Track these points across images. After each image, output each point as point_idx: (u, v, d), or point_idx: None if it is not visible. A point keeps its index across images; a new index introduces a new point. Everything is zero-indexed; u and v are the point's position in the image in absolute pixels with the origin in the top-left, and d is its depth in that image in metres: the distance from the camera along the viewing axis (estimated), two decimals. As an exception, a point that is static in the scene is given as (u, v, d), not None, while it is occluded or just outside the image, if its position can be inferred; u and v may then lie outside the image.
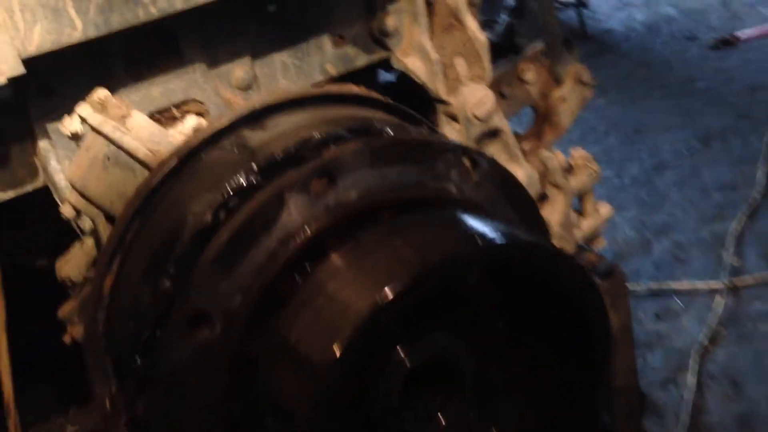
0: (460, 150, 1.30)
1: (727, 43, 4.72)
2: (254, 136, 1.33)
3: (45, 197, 1.80)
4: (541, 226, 1.43)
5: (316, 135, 1.26)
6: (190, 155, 1.32)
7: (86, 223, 1.57)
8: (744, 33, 4.84)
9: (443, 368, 1.29)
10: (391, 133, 1.30)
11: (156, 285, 1.20)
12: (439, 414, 1.32)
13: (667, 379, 3.29)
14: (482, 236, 1.17)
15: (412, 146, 1.26)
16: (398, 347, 1.24)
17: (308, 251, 1.20)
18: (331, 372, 1.08)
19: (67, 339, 1.47)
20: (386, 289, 1.09)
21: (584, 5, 6.47)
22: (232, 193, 1.21)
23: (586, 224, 2.46)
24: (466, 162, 1.32)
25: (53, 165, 1.67)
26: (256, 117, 1.36)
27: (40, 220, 2.05)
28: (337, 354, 1.07)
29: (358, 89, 1.47)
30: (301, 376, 1.13)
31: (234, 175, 1.23)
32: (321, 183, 1.20)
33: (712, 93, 5.43)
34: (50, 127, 1.68)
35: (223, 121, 1.33)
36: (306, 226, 1.18)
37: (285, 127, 1.34)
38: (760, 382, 3.17)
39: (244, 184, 1.21)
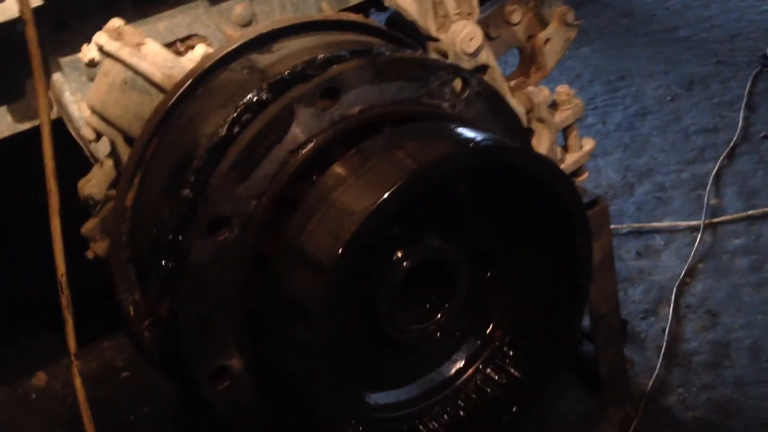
0: (453, 69, 1.41)
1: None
2: (262, 59, 1.43)
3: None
4: (525, 140, 1.55)
5: (320, 55, 1.36)
6: (203, 76, 1.42)
7: (101, 149, 1.68)
8: (725, -19, 4.94)
9: (439, 270, 1.42)
10: (389, 53, 1.41)
11: (177, 194, 1.31)
12: (434, 313, 1.45)
13: (647, 310, 3.44)
14: (470, 140, 1.28)
15: (408, 64, 1.37)
16: (398, 249, 1.36)
17: (315, 160, 1.32)
18: (336, 269, 1.20)
19: (89, 254, 1.58)
20: (381, 191, 1.20)
21: (568, -44, 6.50)
22: (244, 109, 1.32)
23: (570, 158, 2.57)
24: (458, 81, 1.43)
25: (67, 96, 1.77)
26: (263, 41, 1.46)
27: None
28: (340, 252, 1.19)
29: (356, 16, 1.57)
30: (310, 273, 1.25)
31: (245, 92, 1.34)
32: (326, 97, 1.31)
33: (694, 40, 5.53)
34: (63, 60, 1.77)
35: (233, 45, 1.43)
36: (315, 138, 1.30)
37: (290, 50, 1.45)
38: (736, 311, 3.32)
39: (255, 100, 1.32)
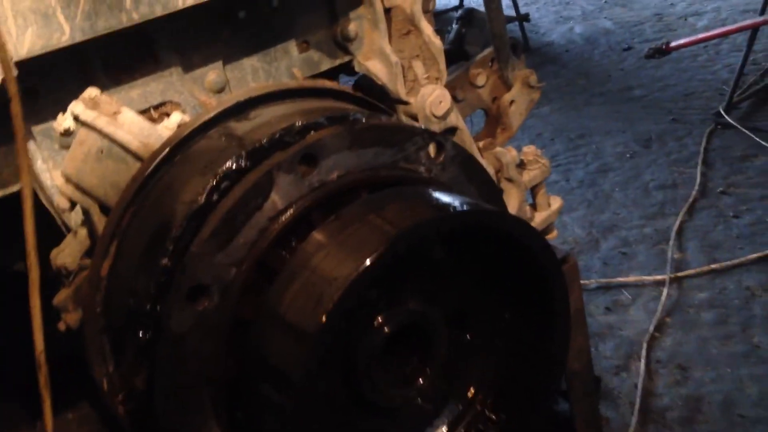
0: (428, 134, 1.44)
1: (661, 51, 5.01)
2: (240, 126, 1.44)
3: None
4: (500, 203, 1.58)
5: (298, 122, 1.38)
6: (180, 144, 1.42)
7: (75, 218, 1.66)
8: (675, 42, 5.14)
9: (419, 334, 1.42)
10: (363, 121, 1.43)
11: (155, 263, 1.30)
12: (415, 377, 1.45)
13: (619, 366, 3.47)
14: (448, 205, 1.30)
15: (385, 130, 1.39)
16: (378, 314, 1.36)
17: (295, 227, 1.32)
18: (318, 337, 1.20)
19: (61, 326, 1.55)
20: (363, 258, 1.21)
21: (526, 19, 6.74)
22: (223, 176, 1.32)
23: (540, 216, 2.62)
24: (433, 146, 1.46)
25: (39, 165, 1.75)
26: (240, 109, 1.48)
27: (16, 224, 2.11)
28: (323, 321, 1.19)
29: (331, 84, 1.60)
30: (292, 341, 1.24)
31: (224, 159, 1.34)
32: (305, 164, 1.32)
33: (649, 99, 5.73)
34: (35, 128, 1.76)
35: (211, 113, 1.45)
36: (294, 204, 1.30)
37: (267, 117, 1.46)
38: (705, 365, 3.37)
39: (234, 167, 1.33)
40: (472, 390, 1.49)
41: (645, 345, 3.53)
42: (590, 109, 5.74)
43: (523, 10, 6.78)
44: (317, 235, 1.29)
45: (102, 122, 1.47)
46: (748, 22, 5.05)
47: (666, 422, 3.18)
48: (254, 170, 1.31)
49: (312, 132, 1.37)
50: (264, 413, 1.25)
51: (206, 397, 1.28)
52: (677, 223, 4.30)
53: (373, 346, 1.34)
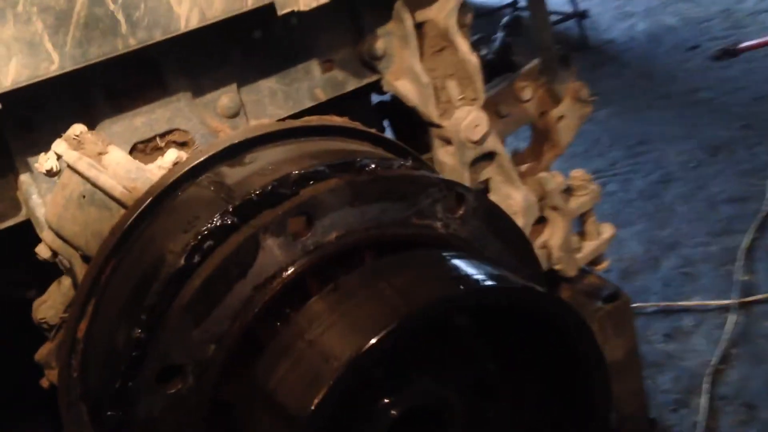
0: (445, 185, 1.25)
1: (730, 53, 4.65)
2: (232, 173, 1.28)
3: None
4: (531, 258, 1.37)
5: (295, 172, 1.20)
6: (164, 194, 1.27)
7: (66, 262, 1.52)
8: (746, 43, 4.77)
9: (430, 413, 1.23)
10: (374, 168, 1.25)
11: (128, 332, 1.14)
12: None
13: (679, 401, 3.20)
14: (466, 279, 1.11)
15: (395, 182, 1.21)
16: (383, 396, 1.18)
17: (286, 296, 1.15)
18: (309, 423, 1.03)
19: (44, 383, 1.42)
20: (366, 336, 1.04)
21: (585, 16, 6.42)
22: (206, 235, 1.16)
23: (588, 246, 2.39)
24: (452, 197, 1.26)
25: (34, 199, 1.63)
26: (234, 152, 1.31)
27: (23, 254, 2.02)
28: (313, 406, 1.02)
29: (341, 120, 1.42)
30: (280, 428, 1.08)
31: (210, 214, 1.18)
32: (299, 223, 1.15)
33: (716, 103, 5.35)
34: (31, 160, 1.63)
35: (200, 158, 1.28)
36: (284, 271, 1.13)
37: (264, 162, 1.29)
38: (775, 404, 3.07)
39: (219, 225, 1.16)
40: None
41: (708, 378, 3.24)
42: (652, 113, 5.39)
43: (582, 5, 6.45)
44: (314, 306, 1.12)
45: (83, 165, 1.32)
46: (829, 20, 4.66)
47: (730, 467, 2.90)
48: (238, 231, 1.14)
49: (310, 182, 1.20)
50: None
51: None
52: (746, 241, 3.96)
53: (377, 430, 1.16)
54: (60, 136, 1.61)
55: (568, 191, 2.36)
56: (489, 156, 2.13)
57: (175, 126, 1.78)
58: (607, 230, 2.42)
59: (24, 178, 1.66)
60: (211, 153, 1.29)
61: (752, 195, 4.26)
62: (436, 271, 1.14)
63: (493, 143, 2.11)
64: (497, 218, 1.30)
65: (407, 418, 1.21)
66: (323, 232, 1.15)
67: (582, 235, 2.42)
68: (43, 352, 1.40)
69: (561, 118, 2.60)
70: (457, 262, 1.16)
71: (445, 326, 1.24)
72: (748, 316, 3.49)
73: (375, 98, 2.35)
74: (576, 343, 1.15)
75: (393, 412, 1.17)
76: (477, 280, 1.10)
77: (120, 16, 1.53)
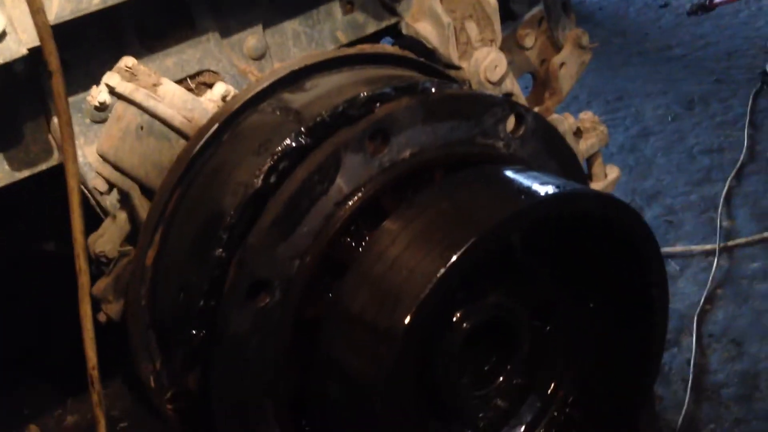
0: (508, 105, 1.28)
1: (704, 8, 4.76)
2: (295, 98, 1.29)
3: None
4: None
5: (363, 93, 1.22)
6: (229, 120, 1.27)
7: (111, 200, 1.52)
8: (719, -2, 4.89)
9: (499, 329, 1.28)
10: (436, 90, 1.27)
11: (207, 254, 1.16)
12: (494, 376, 1.31)
13: (670, 341, 3.30)
14: (539, 190, 1.15)
15: (462, 101, 1.24)
16: (456, 309, 1.22)
17: (364, 213, 1.17)
18: (402, 339, 1.06)
19: (101, 318, 1.42)
20: (450, 252, 1.07)
21: (558, -23, 6.46)
22: (281, 156, 1.17)
23: (596, 187, 2.46)
24: (513, 118, 1.30)
25: (71, 140, 1.60)
26: (294, 79, 1.32)
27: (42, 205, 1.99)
28: (407, 321, 1.05)
29: (392, 49, 1.44)
30: (370, 345, 1.11)
31: (281, 137, 1.19)
32: (374, 141, 1.17)
33: (689, 59, 5.46)
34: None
35: (263, 84, 1.29)
36: (363, 188, 1.15)
37: (325, 87, 1.31)
38: (761, 339, 3.20)
39: (294, 146, 1.17)
40: (553, 385, 1.35)
41: (696, 319, 3.36)
42: (628, 69, 5.48)
43: (553, -34, 6.49)
44: (392, 225, 1.14)
45: (141, 96, 1.31)
46: (798, -25, 4.78)
47: (722, 400, 3.03)
48: (317, 149, 1.15)
49: (378, 104, 1.22)
50: (335, 422, 1.12)
51: (269, 407, 1.15)
52: (725, 189, 4.09)
53: (452, 344, 1.20)
54: (93, 77, 1.61)
55: (578, 134, 2.41)
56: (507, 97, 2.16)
57: (205, 67, 1.78)
58: (614, 172, 2.49)
59: (57, 120, 1.63)
60: (273, 80, 1.30)
61: (728, 146, 4.38)
62: (507, 186, 1.18)
63: (510, 84, 2.14)
64: (553, 139, 1.34)
65: (477, 338, 1.25)
66: (398, 150, 1.18)
67: (589, 176, 2.48)
68: (100, 287, 1.40)
69: (562, 65, 2.65)
70: (524, 176, 1.19)
71: (508, 247, 1.28)
72: (731, 259, 3.61)
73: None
74: (639, 246, 1.20)
75: (466, 324, 1.21)
76: (549, 191, 1.14)
77: (159, -49, 1.52)
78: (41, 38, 1.18)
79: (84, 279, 1.10)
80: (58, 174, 1.77)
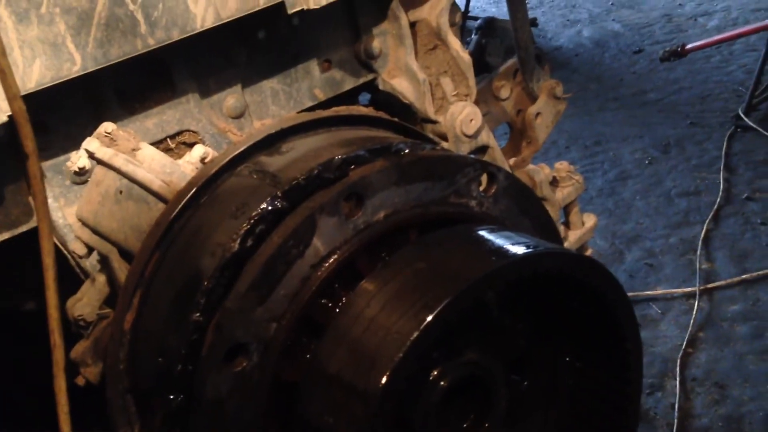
0: (480, 165, 1.31)
1: (677, 54, 4.89)
2: (272, 161, 1.31)
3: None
4: (555, 236, 1.45)
5: (337, 156, 1.25)
6: (207, 183, 1.29)
7: (91, 263, 1.53)
8: (693, 44, 5.01)
9: (476, 387, 1.29)
10: (409, 151, 1.30)
11: (185, 318, 1.17)
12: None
13: (653, 385, 3.33)
14: (513, 250, 1.17)
15: (434, 162, 1.27)
16: (433, 367, 1.23)
17: (339, 275, 1.19)
18: (378, 399, 1.07)
19: (80, 381, 1.42)
20: (427, 312, 1.09)
21: (534, 24, 6.62)
22: (258, 219, 1.19)
23: (574, 235, 2.50)
24: (485, 177, 1.33)
25: (50, 203, 1.62)
26: (271, 142, 1.35)
27: (25, 262, 1.99)
28: (383, 382, 1.07)
29: (367, 110, 1.47)
30: (348, 404, 1.12)
31: (258, 200, 1.21)
32: (349, 204, 1.19)
33: (664, 103, 5.59)
34: (45, 164, 1.63)
35: (239, 148, 1.32)
36: (338, 250, 1.17)
37: (301, 150, 1.34)
38: (744, 383, 3.24)
39: (270, 209, 1.20)
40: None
41: (679, 362, 3.38)
42: (605, 114, 5.60)
43: (529, 14, 6.65)
44: (368, 286, 1.16)
45: (120, 161, 1.34)
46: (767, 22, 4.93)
47: (707, 444, 3.03)
48: (293, 212, 1.18)
49: (353, 167, 1.24)
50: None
51: (248, 469, 1.15)
52: (703, 231, 4.15)
53: (429, 402, 1.21)
54: (73, 140, 1.63)
55: (554, 183, 2.46)
56: (482, 149, 2.21)
57: (185, 127, 1.80)
58: (590, 219, 2.53)
59: (37, 181, 1.65)
60: (250, 143, 1.33)
61: (705, 188, 4.47)
62: (481, 246, 1.20)
63: (486, 137, 2.19)
64: (525, 197, 1.37)
65: (454, 396, 1.26)
66: (373, 212, 1.20)
67: (567, 225, 2.52)
68: (78, 350, 1.40)
69: (538, 115, 2.70)
70: (497, 236, 1.22)
71: (482, 304, 1.30)
72: (711, 302, 3.66)
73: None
74: (610, 301, 1.22)
75: (443, 383, 1.22)
76: (521, 250, 1.16)
77: (139, 16, 1.56)
78: (18, 123, 1.20)
79: (58, 354, 1.10)
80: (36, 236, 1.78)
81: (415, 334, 1.05)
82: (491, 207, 1.33)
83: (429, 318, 1.06)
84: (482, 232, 1.22)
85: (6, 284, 2.03)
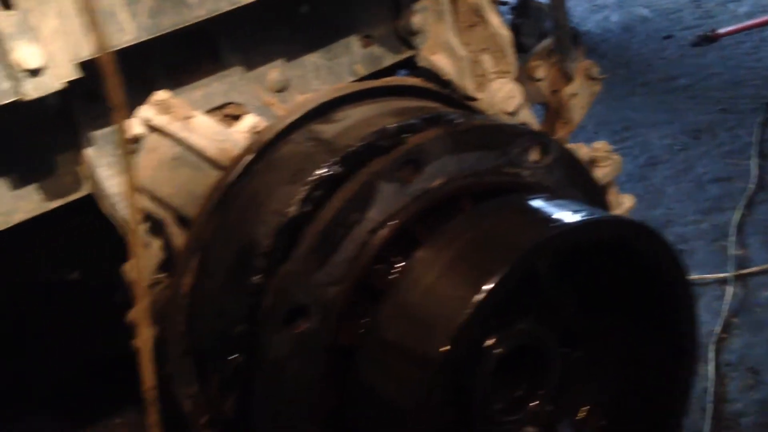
0: (533, 135, 1.31)
1: (708, 39, 4.83)
2: (326, 129, 1.32)
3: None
4: (606, 204, 1.45)
5: (391, 124, 1.25)
6: (264, 149, 1.31)
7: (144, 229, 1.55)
8: (725, 29, 4.96)
9: (530, 355, 1.29)
10: (461, 121, 1.31)
11: (244, 281, 1.18)
12: (525, 402, 1.32)
13: (685, 369, 3.30)
14: (568, 217, 1.18)
15: (488, 132, 1.27)
16: (489, 336, 1.24)
17: (398, 241, 1.20)
18: (439, 366, 1.08)
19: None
20: (486, 279, 1.09)
21: (562, 10, 6.56)
22: (316, 184, 1.20)
23: (611, 216, 2.48)
24: (538, 147, 1.33)
25: (101, 172, 1.64)
26: (324, 110, 1.36)
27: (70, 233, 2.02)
28: (445, 348, 1.07)
29: (416, 80, 1.48)
30: (407, 371, 1.13)
31: (314, 166, 1.22)
32: (407, 171, 1.20)
33: (694, 89, 5.51)
34: (96, 133, 1.65)
35: (294, 115, 1.33)
36: (395, 216, 1.18)
37: (354, 119, 1.34)
38: (779, 367, 3.19)
39: (328, 175, 1.21)
40: (584, 411, 1.36)
41: (713, 347, 3.35)
42: (633, 99, 5.53)
43: (555, -1, 6.59)
44: (426, 252, 1.17)
45: (175, 127, 1.35)
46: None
47: (740, 429, 3.02)
48: (351, 178, 1.18)
49: (407, 135, 1.25)
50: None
51: (307, 428, 1.16)
52: (736, 217, 4.10)
53: (486, 369, 1.22)
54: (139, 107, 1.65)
55: (592, 163, 2.44)
56: (522, 127, 2.20)
57: (230, 99, 1.82)
58: (628, 200, 2.51)
59: (89, 151, 1.67)
60: (304, 111, 1.34)
61: (737, 174, 4.41)
62: (538, 214, 1.20)
63: (525, 114, 2.18)
64: (576, 168, 1.37)
65: (508, 364, 1.27)
66: (429, 179, 1.21)
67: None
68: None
69: (573, 95, 2.69)
70: (552, 204, 1.22)
71: (535, 274, 1.30)
72: (745, 288, 3.62)
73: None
74: (665, 272, 1.22)
75: (498, 351, 1.23)
76: (578, 218, 1.16)
77: (191, -13, 1.57)
78: (107, 75, 1.22)
79: (142, 306, 1.12)
80: (86, 205, 1.81)
81: (478, 299, 1.05)
82: (544, 177, 1.33)
83: (492, 284, 1.07)
84: (538, 201, 1.22)
85: (53, 255, 2.07)
